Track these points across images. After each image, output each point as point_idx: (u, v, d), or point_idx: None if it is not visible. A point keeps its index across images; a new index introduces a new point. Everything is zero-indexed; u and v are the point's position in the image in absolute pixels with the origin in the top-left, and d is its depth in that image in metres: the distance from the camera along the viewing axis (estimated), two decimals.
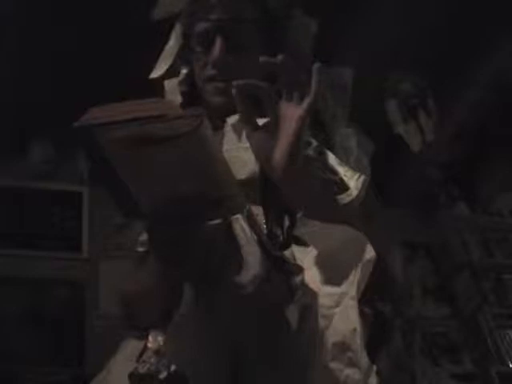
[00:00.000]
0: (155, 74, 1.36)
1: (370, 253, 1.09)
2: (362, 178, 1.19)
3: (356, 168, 1.26)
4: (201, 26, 1.31)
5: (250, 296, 1.01)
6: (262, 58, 0.99)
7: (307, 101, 0.97)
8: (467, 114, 4.23)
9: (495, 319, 4.58)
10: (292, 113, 0.96)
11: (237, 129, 1.16)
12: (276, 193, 1.07)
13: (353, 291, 1.07)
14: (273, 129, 0.97)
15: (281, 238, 1.10)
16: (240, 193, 0.98)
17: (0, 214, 3.57)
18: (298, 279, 1.04)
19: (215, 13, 1.29)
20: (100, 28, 2.52)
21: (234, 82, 0.97)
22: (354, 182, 1.17)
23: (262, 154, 0.99)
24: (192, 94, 1.35)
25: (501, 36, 3.72)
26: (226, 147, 1.10)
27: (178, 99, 1.34)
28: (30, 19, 2.83)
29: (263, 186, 1.11)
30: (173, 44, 1.39)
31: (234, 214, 1.02)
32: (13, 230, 3.59)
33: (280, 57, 0.98)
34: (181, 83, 1.37)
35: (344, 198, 1.13)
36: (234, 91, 0.96)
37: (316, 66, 1.01)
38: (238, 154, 1.10)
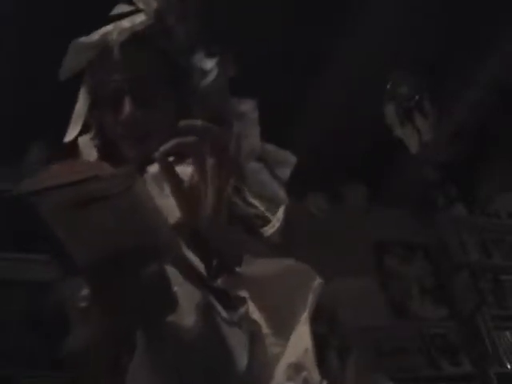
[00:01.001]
0: (69, 137, 1.34)
1: (316, 280, 1.10)
2: (282, 208, 1.23)
3: (274, 200, 1.28)
4: (107, 86, 1.30)
5: (194, 341, 1.02)
6: (181, 122, 0.99)
7: (227, 165, 0.99)
8: (466, 114, 4.23)
9: (493, 320, 4.60)
10: (216, 170, 0.98)
11: (158, 177, 1.15)
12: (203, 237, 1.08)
13: (304, 316, 1.08)
14: (198, 185, 1.00)
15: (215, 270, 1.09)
16: (174, 238, 1.00)
17: None
18: (242, 310, 1.05)
19: (120, 72, 1.29)
20: None
21: (158, 153, 0.98)
22: (275, 213, 1.21)
23: (188, 209, 1.01)
24: (106, 147, 1.35)
25: (501, 36, 3.72)
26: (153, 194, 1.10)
27: (93, 154, 1.34)
28: (29, 20, 2.82)
29: (190, 231, 1.10)
30: (81, 104, 1.37)
31: (169, 259, 1.03)
32: (9, 232, 3.59)
33: (199, 122, 1.00)
34: (93, 138, 1.37)
35: (267, 230, 1.18)
36: (157, 156, 0.97)
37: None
38: (164, 201, 1.09)
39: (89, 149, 1.34)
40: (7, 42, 2.87)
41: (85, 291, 1.14)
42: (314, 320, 1.13)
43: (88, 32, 1.32)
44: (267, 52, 3.17)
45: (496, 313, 4.68)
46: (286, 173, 1.42)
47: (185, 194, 1.00)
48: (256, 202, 1.23)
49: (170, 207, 1.07)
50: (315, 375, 1.06)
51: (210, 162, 0.99)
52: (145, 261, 0.95)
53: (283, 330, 1.07)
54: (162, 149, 0.97)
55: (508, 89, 4.00)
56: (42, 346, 3.23)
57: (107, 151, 1.32)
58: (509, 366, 4.44)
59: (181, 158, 1.07)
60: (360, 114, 3.89)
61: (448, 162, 4.71)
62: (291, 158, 1.43)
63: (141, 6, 1.32)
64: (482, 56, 3.82)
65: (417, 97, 3.73)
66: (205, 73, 1.39)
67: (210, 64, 1.40)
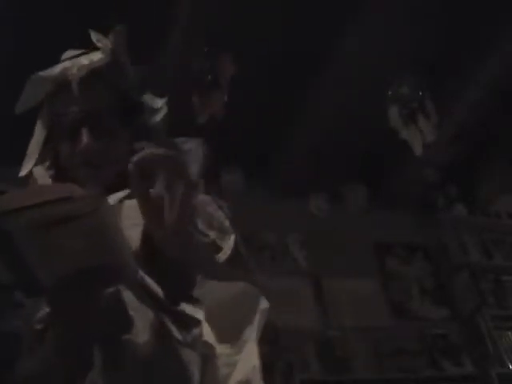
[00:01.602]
0: (24, 172, 1.40)
1: (264, 303, 1.22)
2: (233, 237, 1.29)
3: (221, 230, 1.32)
4: (64, 119, 1.35)
5: (148, 359, 1.06)
6: (134, 157, 1.02)
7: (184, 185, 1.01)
8: (466, 115, 4.23)
9: (494, 320, 4.59)
10: (181, 185, 1.02)
11: (117, 208, 1.22)
12: (159, 263, 1.12)
13: (253, 336, 1.18)
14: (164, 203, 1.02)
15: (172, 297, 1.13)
16: (132, 259, 1.01)
17: None
18: (196, 332, 1.09)
19: (75, 105, 1.34)
20: None
21: (132, 161, 1.00)
22: (225, 242, 1.27)
23: (154, 226, 1.04)
24: (61, 177, 1.39)
25: (501, 36, 3.72)
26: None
27: (49, 183, 1.38)
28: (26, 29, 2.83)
29: (146, 259, 1.13)
30: (36, 139, 1.43)
31: (128, 280, 1.06)
32: None
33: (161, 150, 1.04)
34: (49, 168, 1.42)
35: (221, 257, 1.24)
36: (130, 167, 0.99)
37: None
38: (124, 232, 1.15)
39: (44, 178, 1.39)
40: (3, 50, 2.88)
41: (41, 313, 1.15)
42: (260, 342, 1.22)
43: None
44: (267, 52, 3.18)
45: (497, 313, 4.67)
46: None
47: (151, 203, 1.02)
48: (207, 232, 1.28)
49: (131, 237, 1.11)
50: None
51: (175, 177, 1.02)
52: (105, 282, 0.98)
53: (233, 350, 1.15)
54: (135, 158, 1.00)
55: (508, 89, 4.00)
56: None
57: (62, 181, 1.36)
58: (510, 366, 4.43)
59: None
60: (360, 115, 3.89)
61: (448, 163, 4.70)
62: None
63: (99, 45, 1.39)
64: (482, 56, 3.82)
65: (419, 97, 3.72)
66: (155, 110, 1.48)
67: (159, 103, 1.49)
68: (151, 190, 1.03)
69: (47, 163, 1.42)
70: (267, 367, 1.21)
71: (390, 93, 3.73)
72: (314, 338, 4.15)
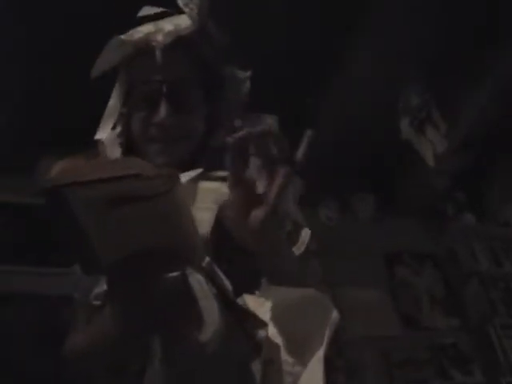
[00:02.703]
0: (100, 136, 1.33)
1: (335, 315, 1.09)
2: (307, 231, 1.24)
3: (296, 221, 1.27)
4: (144, 87, 1.30)
5: (211, 354, 1.01)
6: (230, 139, 0.98)
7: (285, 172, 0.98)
8: (475, 123, 4.22)
9: (504, 329, 4.57)
10: (278, 166, 0.98)
11: (188, 188, 1.17)
12: (227, 251, 1.09)
13: (321, 353, 1.06)
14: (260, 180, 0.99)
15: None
16: (201, 244, 0.98)
17: (11, 230, 3.58)
18: (262, 334, 1.04)
19: (158, 74, 1.29)
20: None
21: (231, 138, 0.96)
22: (300, 235, 1.22)
23: (244, 209, 0.99)
24: (131, 147, 1.33)
25: (506, 44, 3.72)
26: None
27: (117, 151, 1.32)
28: (33, 38, 2.85)
29: (216, 245, 1.11)
30: (114, 103, 1.37)
31: (195, 266, 1.02)
32: (24, 245, 3.60)
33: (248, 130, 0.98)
34: (120, 136, 1.35)
35: (296, 250, 1.20)
36: (230, 145, 0.95)
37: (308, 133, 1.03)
38: (196, 214, 1.08)
39: (113, 146, 1.32)
40: (11, 54, 2.90)
41: (99, 289, 1.14)
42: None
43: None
44: (271, 53, 3.18)
45: (507, 322, 4.65)
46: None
47: (245, 184, 0.98)
48: (284, 222, 1.22)
49: (199, 221, 1.06)
50: None
51: (274, 156, 0.98)
52: (169, 265, 0.94)
53: (300, 359, 1.05)
54: (236, 135, 0.96)
55: None
56: (55, 360, 3.23)
57: (131, 151, 1.31)
58: None
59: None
60: (370, 124, 3.89)
61: (457, 171, 4.70)
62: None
63: (186, 9, 1.31)
64: (490, 64, 3.82)
65: (426, 108, 3.73)
66: (238, 83, 1.41)
67: (242, 75, 1.42)
68: (246, 172, 0.98)
69: (118, 130, 1.35)
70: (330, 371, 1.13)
71: (400, 104, 3.73)
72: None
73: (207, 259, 1.06)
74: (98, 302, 1.16)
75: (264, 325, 1.04)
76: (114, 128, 1.34)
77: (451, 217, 5.03)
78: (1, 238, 3.52)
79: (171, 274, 0.97)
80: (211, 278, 1.06)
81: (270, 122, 1.36)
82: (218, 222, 1.11)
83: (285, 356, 1.05)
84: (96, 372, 1.13)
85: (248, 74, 1.42)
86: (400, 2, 3.20)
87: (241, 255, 1.08)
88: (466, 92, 3.94)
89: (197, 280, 1.04)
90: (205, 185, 1.19)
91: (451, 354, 4.50)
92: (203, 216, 1.11)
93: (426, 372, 4.35)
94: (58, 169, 0.84)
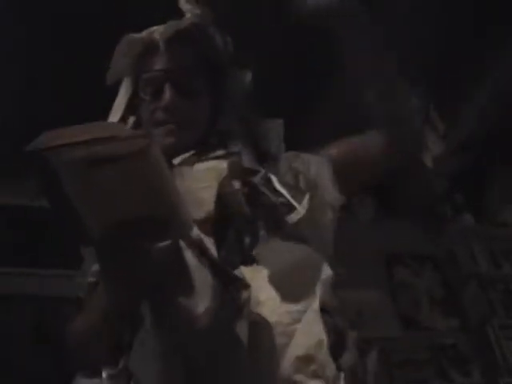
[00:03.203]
0: None
1: (326, 271, 1.15)
2: (307, 196, 1.26)
3: (312, 185, 1.31)
4: (149, 76, 1.39)
5: (203, 330, 1.01)
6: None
7: None
8: (473, 125, 4.23)
9: (503, 330, 4.57)
10: None
11: (183, 170, 1.21)
12: (231, 225, 1.14)
13: (315, 306, 1.09)
14: None
15: (235, 258, 1.12)
16: (188, 213, 0.99)
17: (8, 232, 3.58)
18: (245, 295, 1.04)
19: (162, 63, 1.38)
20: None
21: None
22: (300, 201, 1.25)
23: None
24: None
25: (506, 45, 3.72)
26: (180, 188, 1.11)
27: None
28: (33, 39, 2.85)
29: (219, 222, 1.14)
30: (121, 97, 1.45)
31: (183, 235, 1.03)
32: (21, 247, 3.60)
33: None
34: (132, 127, 1.42)
35: (293, 217, 1.22)
36: None
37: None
38: (196, 195, 1.13)
39: None
40: (11, 54, 2.90)
41: (95, 267, 1.17)
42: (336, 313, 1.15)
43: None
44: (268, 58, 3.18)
45: (505, 322, 4.65)
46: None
47: None
48: (283, 190, 1.27)
49: (201, 200, 1.13)
50: (328, 369, 1.06)
51: None
52: (158, 233, 0.94)
53: (289, 318, 1.07)
54: None
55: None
56: (52, 361, 3.23)
57: None
58: None
59: None
60: (368, 125, 3.88)
61: (456, 173, 4.70)
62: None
63: (185, 7, 1.41)
64: (488, 67, 3.82)
65: (425, 109, 3.72)
66: (239, 77, 1.48)
67: (243, 72, 1.49)
68: None
69: (131, 120, 1.43)
70: (342, 341, 1.13)
71: None
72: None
73: (196, 230, 1.07)
74: (93, 279, 1.19)
75: (247, 286, 1.05)
76: (124, 120, 1.42)
77: (450, 218, 5.03)
78: (1, 238, 3.53)
79: (162, 243, 0.97)
80: (201, 248, 1.08)
81: (269, 125, 1.42)
82: (220, 198, 1.15)
83: (279, 317, 1.06)
84: (95, 353, 1.14)
85: (249, 71, 1.48)
86: (400, 2, 3.20)
87: (245, 228, 1.14)
88: (466, 92, 3.94)
89: (188, 251, 1.06)
90: (201, 165, 1.23)
91: (450, 354, 4.50)
92: (204, 195, 1.14)
93: (426, 372, 4.35)
94: (43, 135, 0.86)
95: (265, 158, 1.36)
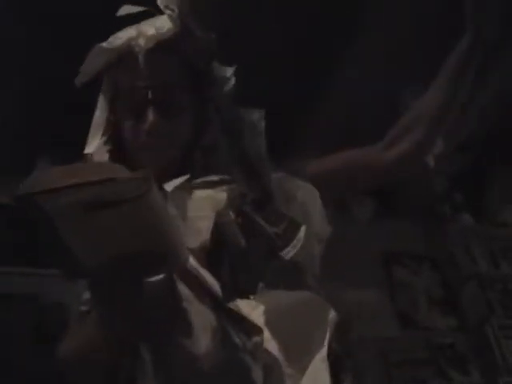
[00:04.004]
0: (89, 149, 1.31)
1: (333, 315, 1.14)
2: (303, 228, 1.22)
3: (300, 213, 1.27)
4: (129, 95, 1.29)
5: (205, 365, 1.00)
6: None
7: None
8: (473, 125, 4.22)
9: (502, 330, 4.57)
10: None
11: (178, 196, 1.16)
12: (227, 256, 1.10)
13: (323, 352, 1.08)
14: None
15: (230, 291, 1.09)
16: (184, 246, 0.97)
17: (8, 232, 3.57)
18: (257, 339, 1.03)
19: (142, 80, 1.28)
20: None
21: None
22: (296, 234, 1.22)
23: None
24: (119, 153, 1.31)
25: (505, 46, 3.71)
26: (175, 214, 1.09)
27: (105, 158, 1.30)
28: (33, 39, 2.85)
29: (213, 252, 1.12)
30: (100, 113, 1.35)
31: (179, 269, 1.01)
32: (20, 247, 3.59)
33: None
34: (107, 143, 1.33)
35: (289, 251, 1.18)
36: None
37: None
38: (193, 224, 1.10)
39: (101, 155, 1.30)
40: (13, 54, 2.89)
41: (87, 294, 1.14)
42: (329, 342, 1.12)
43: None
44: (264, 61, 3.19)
45: (505, 322, 4.65)
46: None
47: None
48: (278, 220, 1.22)
49: (199, 229, 1.09)
50: None
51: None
52: (151, 268, 0.93)
53: (297, 362, 1.05)
54: None
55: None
56: (51, 360, 3.22)
57: (120, 157, 1.28)
58: None
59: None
60: (366, 125, 3.89)
61: (455, 173, 4.70)
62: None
63: (166, 11, 1.29)
64: (489, 66, 3.81)
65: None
66: (224, 80, 1.39)
67: (228, 72, 1.40)
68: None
69: (105, 137, 1.33)
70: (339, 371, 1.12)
71: (399, 109, 3.73)
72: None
73: (192, 262, 1.04)
74: (85, 308, 1.17)
75: (259, 330, 1.04)
76: (100, 137, 1.33)
77: (449, 218, 5.02)
78: (1, 238, 3.52)
79: (156, 278, 0.96)
80: (198, 282, 1.05)
81: (252, 117, 1.36)
82: (217, 229, 1.12)
83: (282, 360, 1.04)
84: (88, 377, 1.12)
85: (232, 69, 1.41)
86: (400, 2, 3.20)
87: (241, 260, 1.10)
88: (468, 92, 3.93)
89: (182, 287, 1.04)
90: (199, 193, 1.18)
91: (449, 354, 4.50)
92: (201, 224, 1.11)
93: (424, 372, 4.35)
94: (34, 177, 0.84)
95: (253, 175, 1.30)
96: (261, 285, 1.13)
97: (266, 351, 1.03)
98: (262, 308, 1.07)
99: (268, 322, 1.06)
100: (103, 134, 1.33)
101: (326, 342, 1.09)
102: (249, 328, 1.03)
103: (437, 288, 4.88)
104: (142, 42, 1.27)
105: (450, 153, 4.09)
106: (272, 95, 3.31)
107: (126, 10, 1.33)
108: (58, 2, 2.68)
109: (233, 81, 1.39)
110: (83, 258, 0.87)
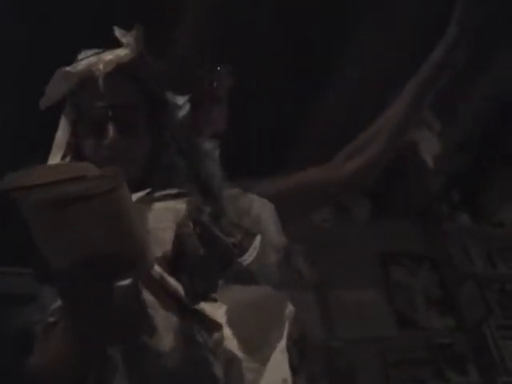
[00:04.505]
0: None
1: (291, 308, 1.19)
2: (259, 238, 1.28)
3: (255, 225, 1.33)
4: (90, 113, 1.37)
5: (171, 365, 1.04)
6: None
7: None
8: (470, 124, 4.23)
9: (500, 330, 4.58)
10: None
11: (139, 209, 1.18)
12: (186, 264, 1.15)
13: (281, 345, 1.14)
14: None
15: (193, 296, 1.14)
16: (150, 250, 0.98)
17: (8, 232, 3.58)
18: (217, 336, 1.07)
19: (103, 99, 1.36)
20: None
21: None
22: (252, 243, 1.28)
23: None
24: None
25: (501, 47, 3.73)
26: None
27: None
28: (33, 39, 2.85)
29: (174, 261, 1.16)
30: (61, 134, 1.42)
31: (144, 274, 1.03)
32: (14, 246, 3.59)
33: None
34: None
35: (246, 259, 1.24)
36: None
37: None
38: (154, 235, 1.13)
39: None
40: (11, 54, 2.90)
41: (55, 306, 1.16)
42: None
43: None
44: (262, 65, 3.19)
45: (503, 322, 4.66)
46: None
47: None
48: (234, 231, 1.29)
49: (163, 240, 1.14)
50: None
51: None
52: (119, 272, 0.93)
53: (258, 355, 1.12)
54: None
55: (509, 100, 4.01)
56: None
57: None
58: None
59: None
60: (363, 125, 3.89)
61: (452, 172, 4.71)
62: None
63: (123, 40, 1.39)
64: (485, 66, 3.82)
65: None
66: (178, 107, 1.50)
67: (181, 100, 1.52)
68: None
69: (68, 158, 1.39)
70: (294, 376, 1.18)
71: None
72: (319, 350, 4.14)
73: (157, 268, 1.08)
74: (53, 319, 1.18)
75: (219, 327, 1.09)
76: (63, 159, 1.38)
77: (447, 218, 5.04)
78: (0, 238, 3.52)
79: (122, 283, 0.96)
80: (163, 286, 1.09)
81: (206, 146, 1.47)
82: (178, 239, 1.16)
83: (241, 355, 1.10)
84: None
85: (186, 98, 1.53)
86: (400, 2, 3.21)
87: (200, 268, 1.16)
88: (464, 92, 3.95)
89: (147, 290, 1.07)
90: (159, 205, 1.23)
91: (447, 354, 4.51)
92: (163, 235, 1.15)
93: (423, 372, 4.36)
94: (10, 176, 0.86)
95: (208, 193, 1.37)
96: (220, 282, 1.19)
97: (226, 349, 1.09)
98: (224, 308, 1.13)
99: (230, 321, 1.12)
100: (64, 156, 1.39)
101: (284, 335, 1.15)
102: (210, 326, 1.08)
103: (435, 288, 4.89)
104: (101, 66, 1.37)
105: (449, 153, 4.10)
106: (272, 95, 3.34)
107: (84, 54, 1.43)
108: (57, 2, 2.68)
109: (186, 109, 1.51)
110: (54, 259, 0.88)
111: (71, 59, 1.43)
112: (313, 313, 4.25)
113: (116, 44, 1.41)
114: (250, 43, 3.03)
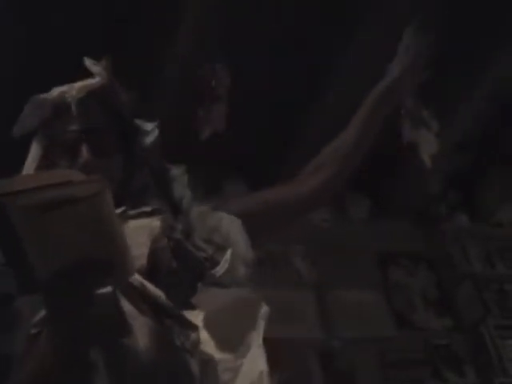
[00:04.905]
0: None
1: (264, 307, 1.26)
2: (230, 251, 1.34)
3: (225, 241, 1.39)
4: (63, 136, 1.42)
5: (149, 364, 1.09)
6: None
7: None
8: (469, 125, 4.23)
9: (498, 330, 4.58)
10: None
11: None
12: (161, 280, 1.20)
13: (258, 341, 1.22)
14: None
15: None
16: (131, 258, 1.00)
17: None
18: (194, 336, 1.13)
19: (75, 124, 1.42)
20: None
21: None
22: (223, 256, 1.34)
23: None
24: None
25: (501, 47, 3.73)
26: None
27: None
28: (33, 39, 2.85)
29: (149, 274, 1.20)
30: (32, 157, 1.46)
31: (125, 281, 1.06)
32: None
33: None
34: None
35: (218, 271, 1.30)
36: None
37: None
38: (131, 250, 1.17)
39: None
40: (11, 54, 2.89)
41: (37, 317, 1.16)
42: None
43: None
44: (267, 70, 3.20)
45: (501, 322, 4.67)
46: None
47: None
48: (204, 246, 1.35)
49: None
50: None
51: None
52: (101, 276, 0.95)
53: (236, 353, 1.19)
54: None
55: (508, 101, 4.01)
56: None
57: None
58: None
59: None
60: None
61: (451, 172, 4.71)
62: None
63: (93, 69, 1.45)
64: (484, 66, 3.82)
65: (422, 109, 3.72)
66: (147, 132, 1.54)
67: (150, 126, 1.55)
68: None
69: None
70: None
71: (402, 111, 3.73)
72: (317, 350, 4.15)
73: (136, 275, 1.11)
74: (35, 330, 1.18)
75: (195, 328, 1.15)
76: None
77: (445, 218, 5.04)
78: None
79: (102, 291, 0.98)
80: (142, 293, 1.13)
81: (174, 172, 1.54)
82: (153, 254, 1.22)
83: (219, 355, 1.17)
84: None
85: (155, 124, 1.56)
86: (400, 2, 3.22)
87: (173, 280, 1.21)
88: (464, 92, 3.95)
89: (125, 298, 1.09)
90: (134, 223, 1.28)
91: (445, 354, 4.51)
92: (138, 252, 1.19)
93: (421, 372, 4.36)
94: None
95: (178, 211, 1.43)
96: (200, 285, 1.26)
97: (203, 351, 1.15)
98: (201, 314, 1.19)
99: (207, 323, 1.18)
100: None
101: (261, 334, 1.22)
102: (188, 328, 1.13)
103: (433, 288, 4.89)
104: (73, 92, 1.44)
105: (448, 153, 4.10)
106: (272, 95, 3.35)
107: (56, 90, 1.47)
108: (57, 2, 2.68)
109: (155, 134, 1.54)
110: (40, 264, 0.89)
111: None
112: (311, 313, 4.26)
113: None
114: (250, 43, 3.04)
